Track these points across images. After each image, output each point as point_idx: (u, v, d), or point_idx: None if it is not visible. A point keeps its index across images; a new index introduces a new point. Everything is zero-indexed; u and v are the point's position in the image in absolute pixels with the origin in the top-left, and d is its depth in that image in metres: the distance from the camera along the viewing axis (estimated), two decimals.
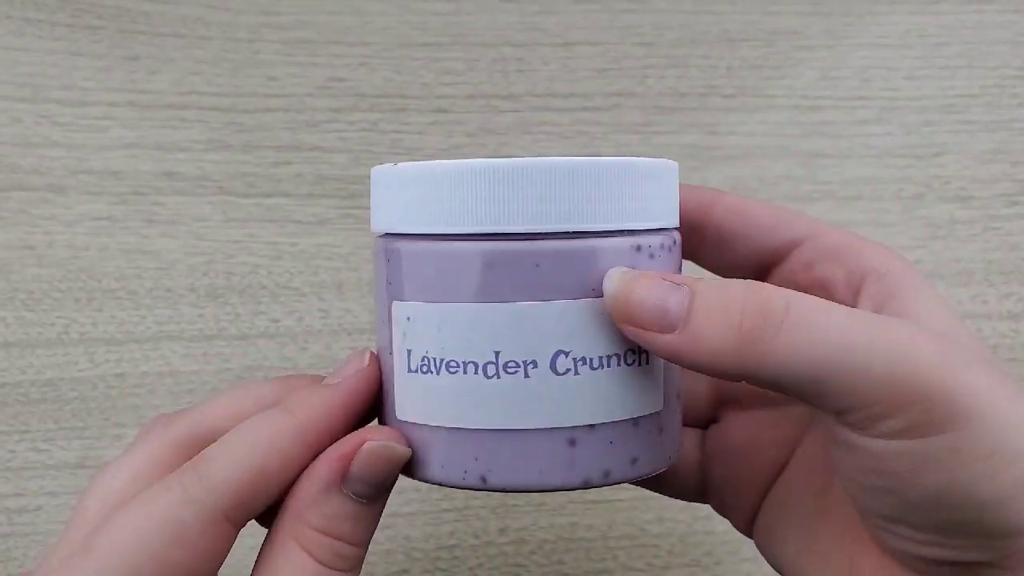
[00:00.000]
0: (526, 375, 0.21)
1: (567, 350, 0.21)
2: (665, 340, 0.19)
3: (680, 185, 0.25)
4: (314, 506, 0.19)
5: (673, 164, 0.24)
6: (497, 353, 0.21)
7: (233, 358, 0.38)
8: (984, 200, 0.41)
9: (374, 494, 0.20)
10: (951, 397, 0.18)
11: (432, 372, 0.21)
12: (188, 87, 0.43)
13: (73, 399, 0.37)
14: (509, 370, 0.21)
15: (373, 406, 0.22)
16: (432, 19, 0.45)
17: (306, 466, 0.20)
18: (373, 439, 0.20)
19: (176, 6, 0.45)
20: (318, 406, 0.20)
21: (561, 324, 0.21)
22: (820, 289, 0.23)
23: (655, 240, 0.22)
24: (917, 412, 0.18)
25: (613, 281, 0.20)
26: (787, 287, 0.21)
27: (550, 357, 0.21)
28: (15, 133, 0.42)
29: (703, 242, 0.26)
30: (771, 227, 0.23)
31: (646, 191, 0.22)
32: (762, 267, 0.25)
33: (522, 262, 0.21)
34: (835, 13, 0.45)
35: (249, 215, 0.41)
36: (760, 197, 0.41)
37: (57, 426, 0.37)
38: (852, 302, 0.22)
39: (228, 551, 0.20)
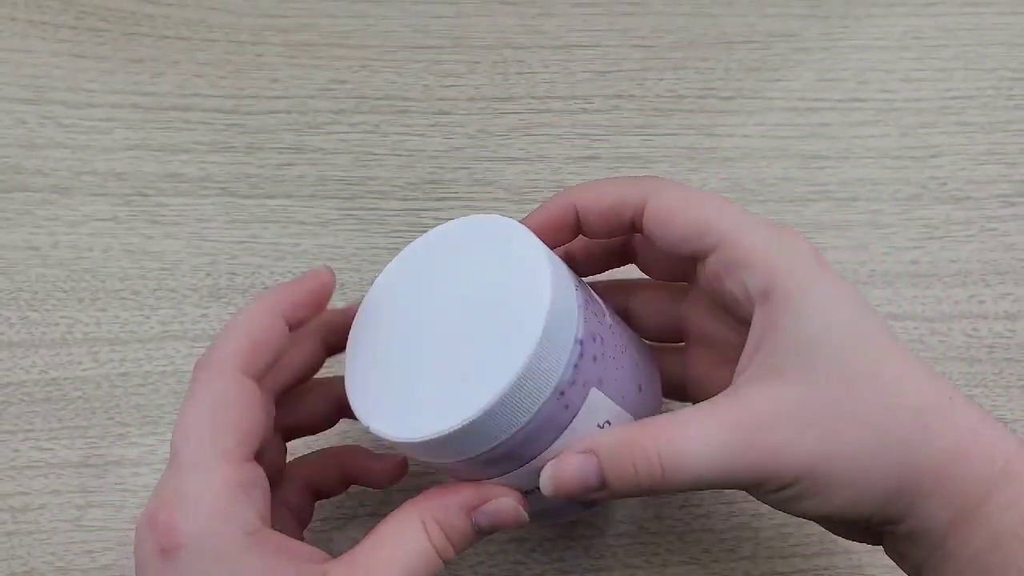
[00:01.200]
0: None
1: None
2: (599, 495, 0.26)
3: (616, 181, 0.28)
4: (447, 511, 0.26)
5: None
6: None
7: None
8: (980, 201, 0.41)
9: (485, 531, 0.27)
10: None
11: None
12: (191, 89, 0.43)
13: (77, 399, 0.38)
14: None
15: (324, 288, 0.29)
16: (433, 22, 0.45)
17: (283, 323, 0.27)
18: (509, 499, 0.27)
19: (180, 9, 0.45)
20: (291, 287, 0.28)
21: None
22: (729, 299, 0.27)
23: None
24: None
25: (545, 483, 0.26)
26: (708, 292, 0.28)
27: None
28: (19, 134, 0.42)
29: (636, 247, 0.31)
30: (687, 238, 0.27)
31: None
32: (688, 266, 0.29)
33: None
34: (832, 16, 0.45)
35: (252, 216, 0.41)
36: (757, 199, 0.41)
37: (61, 425, 0.37)
38: (748, 321, 0.27)
39: (264, 401, 0.27)
